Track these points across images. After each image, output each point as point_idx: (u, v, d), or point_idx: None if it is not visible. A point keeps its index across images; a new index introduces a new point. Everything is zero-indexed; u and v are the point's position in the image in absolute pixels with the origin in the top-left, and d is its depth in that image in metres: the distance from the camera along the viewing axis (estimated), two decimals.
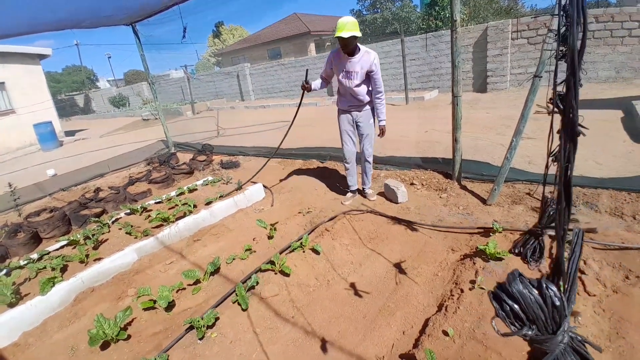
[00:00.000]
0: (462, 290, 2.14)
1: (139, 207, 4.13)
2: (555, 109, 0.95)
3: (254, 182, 4.52)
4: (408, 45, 11.28)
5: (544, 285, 0.58)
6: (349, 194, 3.93)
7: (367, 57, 3.32)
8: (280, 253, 2.81)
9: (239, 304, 2.31)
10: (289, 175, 5.01)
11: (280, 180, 4.81)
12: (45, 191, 5.98)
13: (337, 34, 3.15)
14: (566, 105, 0.86)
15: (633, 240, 2.56)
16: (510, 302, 0.58)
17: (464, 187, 3.74)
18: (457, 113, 3.58)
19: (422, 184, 3.94)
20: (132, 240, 3.39)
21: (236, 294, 2.36)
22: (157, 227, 3.63)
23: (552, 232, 2.55)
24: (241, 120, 11.82)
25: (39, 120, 12.53)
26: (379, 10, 16.62)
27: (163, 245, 3.42)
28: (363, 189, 3.95)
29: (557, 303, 0.58)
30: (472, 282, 2.18)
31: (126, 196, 4.87)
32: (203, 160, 6.37)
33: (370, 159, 3.76)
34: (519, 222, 2.95)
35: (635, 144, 4.79)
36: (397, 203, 3.67)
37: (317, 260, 2.72)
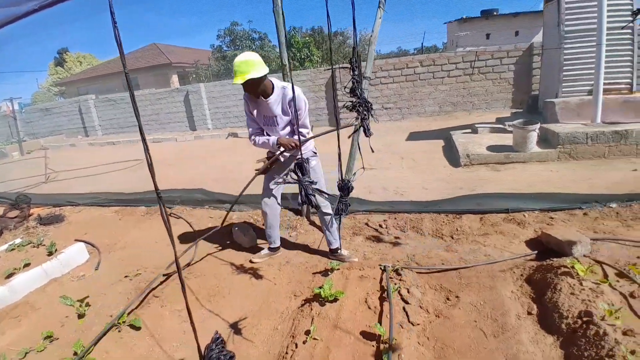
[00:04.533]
0: (296, 345, 1.97)
1: None
2: None
3: (78, 241, 3.72)
4: None
5: None
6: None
7: (287, 94, 2.71)
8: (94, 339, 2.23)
9: None
10: (127, 227, 4.31)
11: (114, 235, 4.07)
12: None
13: (234, 82, 2.61)
14: None
15: (452, 260, 2.83)
16: None
17: (312, 223, 3.74)
18: None
19: None
20: None
21: None
22: None
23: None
24: (82, 160, 10.09)
25: None
26: (240, 48, 16.84)
27: None
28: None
29: None
30: (307, 332, 2.04)
31: None
32: (15, 217, 5.06)
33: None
34: (359, 254, 3.03)
35: (453, 168, 5.67)
36: (247, 247, 3.44)
37: (137, 338, 2.23)
